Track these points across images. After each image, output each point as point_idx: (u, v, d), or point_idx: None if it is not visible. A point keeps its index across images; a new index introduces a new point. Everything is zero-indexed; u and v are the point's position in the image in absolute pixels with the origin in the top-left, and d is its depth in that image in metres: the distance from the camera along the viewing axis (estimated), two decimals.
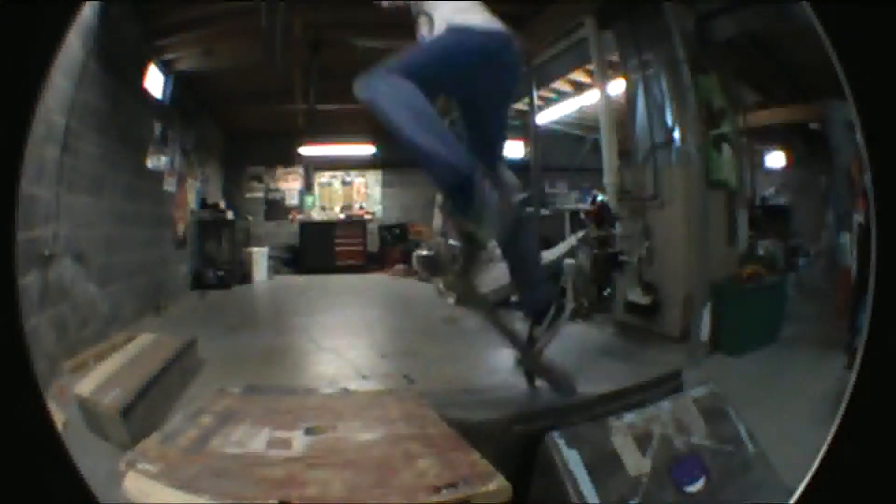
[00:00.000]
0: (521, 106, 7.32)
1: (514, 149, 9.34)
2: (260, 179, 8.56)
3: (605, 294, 4.68)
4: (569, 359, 3.66)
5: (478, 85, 2.04)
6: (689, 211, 3.70)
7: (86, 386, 2.38)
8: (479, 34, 1.95)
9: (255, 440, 1.73)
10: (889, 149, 1.09)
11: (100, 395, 2.28)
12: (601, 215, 4.96)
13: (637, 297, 3.96)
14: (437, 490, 1.37)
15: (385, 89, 1.74)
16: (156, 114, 5.09)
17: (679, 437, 1.65)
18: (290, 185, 8.60)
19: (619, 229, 4.47)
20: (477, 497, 1.36)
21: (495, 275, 5.58)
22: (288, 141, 8.01)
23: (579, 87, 6.54)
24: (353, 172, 8.71)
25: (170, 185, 5.62)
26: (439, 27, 1.96)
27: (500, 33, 1.98)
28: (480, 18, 1.98)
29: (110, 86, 3.85)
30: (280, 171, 8.56)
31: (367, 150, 8.28)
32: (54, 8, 1.11)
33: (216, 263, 6.83)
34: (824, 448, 1.10)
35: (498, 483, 1.39)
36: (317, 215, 8.50)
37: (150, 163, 4.99)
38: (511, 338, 2.33)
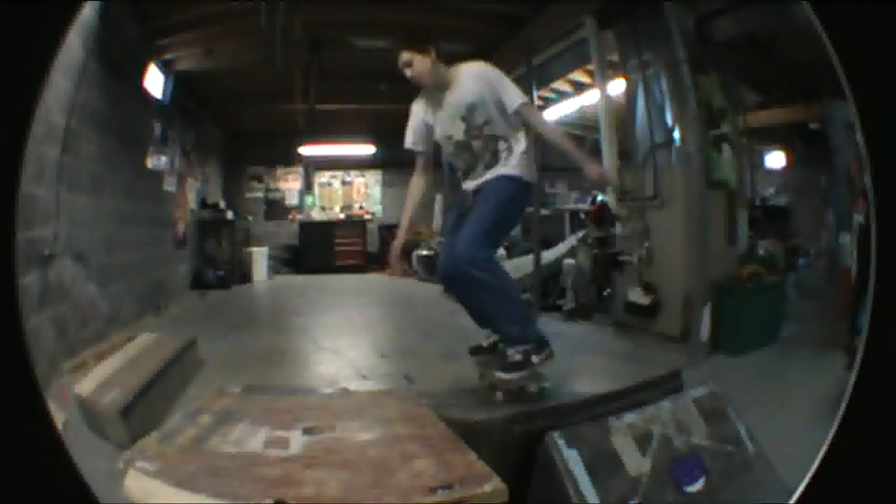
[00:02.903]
0: None
1: None
2: (260, 179, 8.56)
3: (605, 294, 4.68)
4: (569, 359, 3.68)
5: None
6: (689, 211, 3.69)
7: (86, 386, 2.38)
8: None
9: (252, 440, 1.73)
10: (889, 149, 1.09)
11: (100, 395, 2.28)
12: (601, 215, 4.95)
13: (637, 297, 3.96)
14: (433, 491, 1.38)
15: None
16: (156, 114, 5.08)
17: (679, 437, 1.66)
18: (290, 185, 8.60)
19: (619, 229, 4.46)
20: (472, 498, 1.36)
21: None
22: (288, 141, 8.01)
23: (579, 87, 6.53)
24: (353, 172, 8.71)
25: (170, 185, 5.62)
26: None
27: None
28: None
29: (110, 86, 3.85)
30: (280, 171, 8.56)
31: (367, 149, 8.29)
32: (54, 8, 1.11)
33: (216, 263, 6.82)
34: (824, 448, 1.10)
35: (494, 484, 1.40)
36: (317, 215, 8.49)
37: (150, 163, 4.99)
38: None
